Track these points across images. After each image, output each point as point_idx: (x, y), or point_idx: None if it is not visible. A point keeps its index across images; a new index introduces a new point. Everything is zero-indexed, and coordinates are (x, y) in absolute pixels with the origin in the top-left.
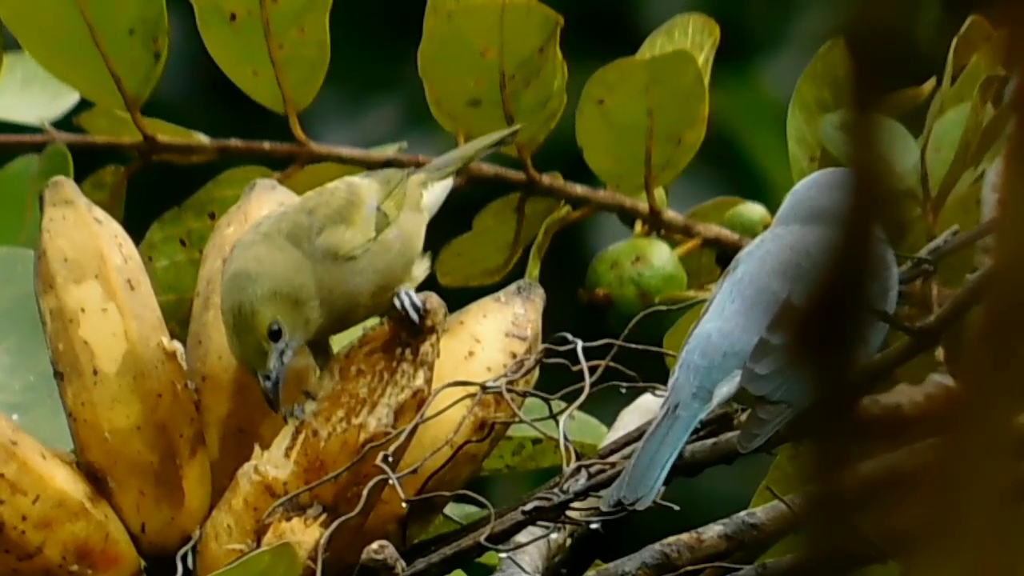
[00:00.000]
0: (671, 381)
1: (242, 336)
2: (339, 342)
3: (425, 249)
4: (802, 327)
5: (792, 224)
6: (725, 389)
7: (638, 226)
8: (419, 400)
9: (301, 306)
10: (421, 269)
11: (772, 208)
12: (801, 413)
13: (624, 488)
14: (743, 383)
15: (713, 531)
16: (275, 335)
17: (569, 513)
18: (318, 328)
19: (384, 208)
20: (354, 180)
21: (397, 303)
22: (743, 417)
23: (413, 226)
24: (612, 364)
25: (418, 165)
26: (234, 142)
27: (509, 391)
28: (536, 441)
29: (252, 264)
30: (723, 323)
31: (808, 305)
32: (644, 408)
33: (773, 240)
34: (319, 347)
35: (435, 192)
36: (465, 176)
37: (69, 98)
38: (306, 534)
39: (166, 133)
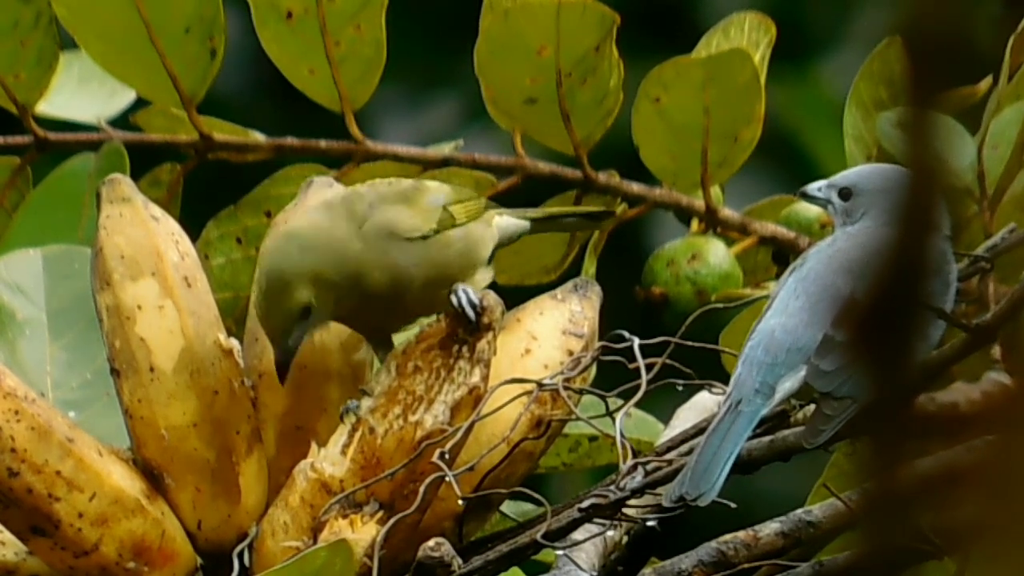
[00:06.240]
0: (733, 377)
1: (271, 305)
2: (396, 338)
3: None
4: (862, 323)
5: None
6: (788, 385)
7: (694, 224)
8: (476, 397)
9: (339, 287)
10: (484, 277)
11: None
12: (862, 410)
13: (686, 483)
14: (808, 379)
15: (770, 529)
16: (304, 313)
17: (625, 510)
18: (353, 310)
19: (452, 209)
20: (425, 180)
21: (454, 300)
22: (800, 414)
23: (481, 236)
24: (669, 362)
25: (474, 163)
26: (290, 140)
27: (566, 388)
28: (592, 438)
29: (307, 231)
30: (786, 319)
31: (867, 301)
32: (701, 406)
33: (846, 239)
34: (381, 343)
35: (509, 222)
36: (522, 173)
37: (126, 96)
38: (362, 531)
39: (222, 131)
